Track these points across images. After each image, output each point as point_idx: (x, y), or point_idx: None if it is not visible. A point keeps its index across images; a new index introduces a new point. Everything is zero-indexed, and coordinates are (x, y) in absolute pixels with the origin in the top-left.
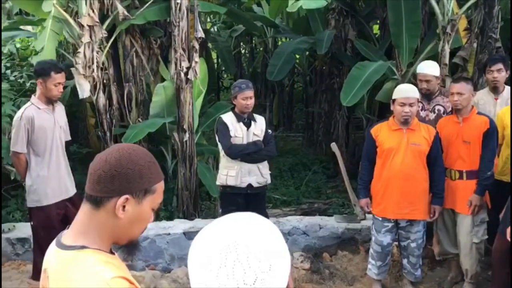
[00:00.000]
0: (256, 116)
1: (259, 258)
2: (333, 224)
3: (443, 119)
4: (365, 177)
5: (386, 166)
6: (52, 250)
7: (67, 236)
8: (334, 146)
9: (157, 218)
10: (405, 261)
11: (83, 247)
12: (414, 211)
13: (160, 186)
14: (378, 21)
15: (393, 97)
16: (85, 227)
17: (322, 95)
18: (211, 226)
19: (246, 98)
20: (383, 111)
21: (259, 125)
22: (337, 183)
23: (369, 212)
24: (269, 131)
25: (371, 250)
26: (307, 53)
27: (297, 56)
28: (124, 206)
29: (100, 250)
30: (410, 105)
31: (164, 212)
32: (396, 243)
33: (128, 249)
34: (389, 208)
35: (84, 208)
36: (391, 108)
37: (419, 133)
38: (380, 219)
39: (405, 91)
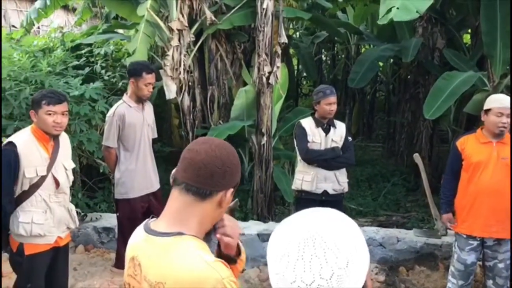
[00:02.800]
0: (337, 123)
1: (337, 254)
2: (411, 237)
3: None
4: (448, 191)
5: (473, 181)
6: (142, 238)
7: (158, 223)
8: (417, 157)
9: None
10: (490, 282)
11: (180, 233)
12: (503, 230)
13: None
14: (470, 30)
15: (487, 107)
16: (184, 215)
17: (406, 105)
18: (291, 219)
19: (330, 103)
20: (471, 123)
21: (339, 132)
22: (418, 197)
23: (451, 228)
24: (349, 138)
25: (452, 268)
26: (392, 61)
27: (381, 64)
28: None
29: (195, 237)
30: (508, 115)
31: (239, 213)
32: (480, 262)
33: (206, 234)
34: (476, 226)
35: (184, 199)
36: (482, 118)
37: (509, 147)
38: (465, 236)
39: (503, 101)
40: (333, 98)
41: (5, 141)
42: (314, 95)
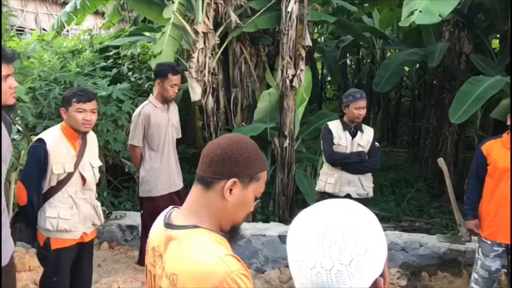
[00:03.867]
0: (365, 127)
1: (356, 241)
2: (434, 243)
3: None
4: (473, 196)
5: (499, 186)
6: (161, 230)
7: (177, 216)
8: (441, 161)
9: (254, 220)
10: None
11: (195, 226)
12: None
13: (264, 175)
14: (498, 35)
15: None
16: (195, 207)
17: (431, 110)
18: (311, 208)
19: (359, 108)
20: (498, 129)
21: (366, 136)
22: (442, 203)
23: (476, 234)
24: (376, 144)
25: (475, 275)
26: (417, 65)
27: (406, 69)
28: (231, 190)
29: (211, 230)
30: None
31: (261, 215)
32: (505, 270)
33: (230, 234)
34: (501, 232)
35: (195, 189)
36: (508, 123)
37: None
38: (489, 242)
39: None
40: (362, 102)
41: (35, 138)
42: (343, 98)
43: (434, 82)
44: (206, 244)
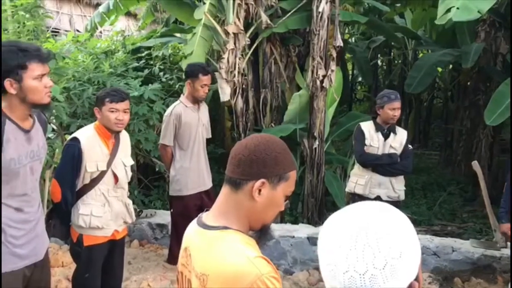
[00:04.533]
0: (398, 129)
1: (390, 244)
2: (468, 248)
3: None
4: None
5: None
6: (194, 231)
7: (209, 217)
8: (475, 164)
9: (282, 221)
10: None
11: (225, 227)
12: None
13: (293, 175)
14: None
15: None
16: (225, 207)
17: (465, 112)
18: (342, 211)
19: (394, 109)
20: None
21: (399, 138)
22: (475, 208)
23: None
24: (409, 146)
25: None
26: (451, 66)
27: (439, 70)
28: (260, 190)
29: (240, 232)
30: None
31: (289, 217)
32: None
33: (261, 234)
34: None
35: (224, 190)
36: None
37: None
38: None
39: None
40: (397, 104)
41: (69, 137)
42: (377, 99)
43: (469, 83)
44: (236, 245)
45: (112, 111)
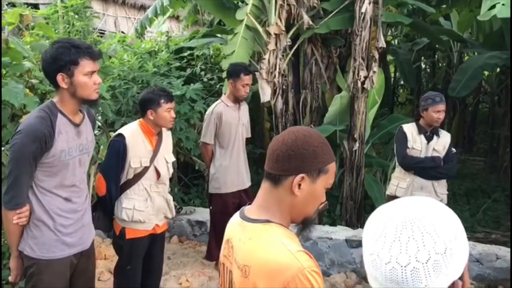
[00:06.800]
0: (441, 132)
1: (435, 239)
2: None
3: None
4: None
5: None
6: (236, 223)
7: (251, 210)
8: None
9: (320, 223)
10: None
11: (267, 221)
12: None
13: (332, 167)
14: None
15: None
16: (266, 202)
17: None
18: (392, 203)
19: (439, 111)
20: None
21: (442, 141)
22: None
23: None
24: (453, 149)
25: None
26: (498, 69)
27: (486, 73)
28: (299, 184)
29: (282, 225)
30: None
31: (327, 219)
32: None
33: (303, 226)
34: None
35: (265, 185)
36: None
37: None
38: None
39: None
40: (442, 106)
41: (115, 133)
42: (421, 101)
43: None
44: (279, 239)
45: (169, 111)
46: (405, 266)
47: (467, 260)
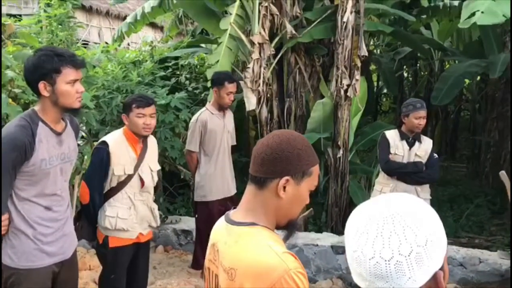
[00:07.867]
0: (423, 138)
1: (416, 232)
2: (495, 259)
3: None
4: None
5: None
6: (222, 227)
7: (236, 213)
8: (503, 174)
9: (306, 230)
10: None
11: (252, 223)
12: None
13: (316, 169)
14: None
15: None
16: (251, 205)
17: (492, 124)
18: (372, 200)
19: (419, 117)
20: None
21: (424, 147)
22: (504, 221)
23: None
24: (435, 155)
25: None
26: (478, 77)
27: (466, 81)
28: (284, 187)
29: (267, 228)
30: None
31: (313, 226)
32: None
33: (288, 229)
34: None
35: (250, 189)
36: None
37: None
38: None
39: None
40: (423, 112)
41: (98, 141)
42: (403, 108)
43: (496, 94)
44: (265, 241)
45: (140, 116)
46: (388, 260)
47: (446, 250)
